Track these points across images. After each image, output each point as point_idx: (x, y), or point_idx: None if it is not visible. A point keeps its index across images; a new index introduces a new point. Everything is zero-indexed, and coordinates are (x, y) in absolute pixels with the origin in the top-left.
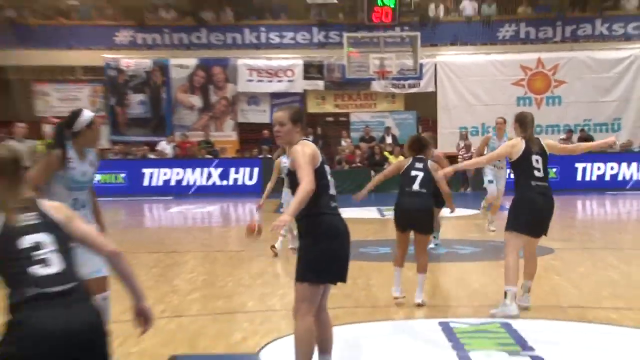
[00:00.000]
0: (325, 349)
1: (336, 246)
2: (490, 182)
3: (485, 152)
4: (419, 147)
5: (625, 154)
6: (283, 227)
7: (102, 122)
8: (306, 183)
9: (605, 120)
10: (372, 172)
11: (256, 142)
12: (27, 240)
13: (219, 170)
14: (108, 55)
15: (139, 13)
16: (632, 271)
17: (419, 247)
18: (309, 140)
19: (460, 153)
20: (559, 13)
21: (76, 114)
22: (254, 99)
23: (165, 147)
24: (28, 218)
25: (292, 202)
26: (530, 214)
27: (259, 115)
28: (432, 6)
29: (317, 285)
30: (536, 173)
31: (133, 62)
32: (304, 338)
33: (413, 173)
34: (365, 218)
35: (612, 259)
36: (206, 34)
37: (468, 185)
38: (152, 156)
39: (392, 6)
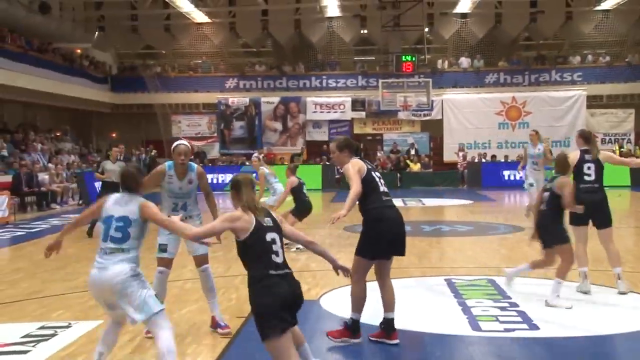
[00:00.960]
0: (388, 309)
1: (382, 229)
2: (532, 185)
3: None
4: None
5: None
6: (339, 220)
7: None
8: (354, 188)
9: (559, 139)
10: (398, 175)
11: (318, 154)
12: (269, 236)
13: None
14: (220, 96)
15: (241, 67)
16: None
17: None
18: (358, 158)
19: (459, 160)
20: (526, 66)
21: (174, 143)
22: (317, 124)
23: (256, 157)
24: (268, 220)
25: (347, 201)
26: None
27: (320, 135)
28: (439, 61)
29: (365, 260)
30: (586, 177)
31: (236, 100)
32: (355, 298)
33: None
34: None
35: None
36: (286, 81)
37: (465, 183)
38: (247, 163)
39: (413, 61)
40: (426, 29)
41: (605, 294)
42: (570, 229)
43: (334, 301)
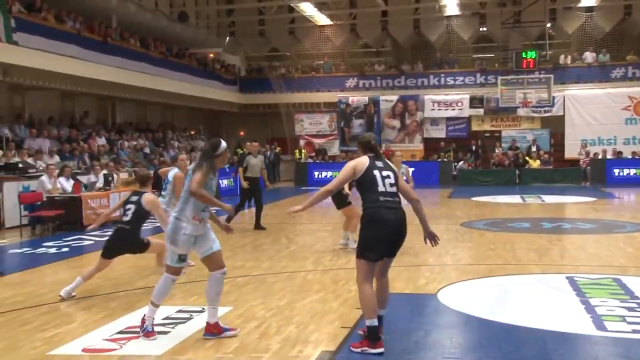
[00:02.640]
0: (380, 306)
1: (373, 231)
2: None
3: None
4: None
5: None
6: (296, 213)
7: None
8: (327, 185)
9: None
10: (517, 171)
11: (436, 150)
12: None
13: (411, 169)
14: (340, 95)
15: (361, 67)
16: None
17: None
18: (368, 155)
19: (581, 157)
20: None
21: (217, 143)
22: (435, 121)
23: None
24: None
25: (313, 196)
26: None
27: (438, 132)
28: (562, 56)
29: (363, 262)
30: None
31: (356, 99)
32: (363, 301)
33: None
34: (510, 202)
35: None
36: (404, 79)
37: (587, 180)
38: None
39: (534, 57)
40: (548, 25)
41: None
42: None
43: (452, 295)
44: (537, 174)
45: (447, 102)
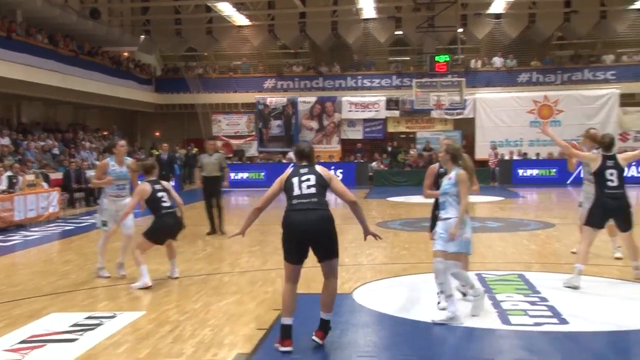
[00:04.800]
0: (322, 309)
1: (285, 234)
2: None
3: None
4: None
5: None
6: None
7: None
8: (255, 203)
9: None
10: None
11: (352, 151)
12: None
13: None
14: (259, 96)
15: (279, 68)
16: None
17: None
18: (297, 165)
19: (490, 158)
20: (559, 65)
21: (114, 143)
22: (352, 122)
23: (292, 155)
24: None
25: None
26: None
27: (355, 133)
28: (473, 61)
29: (286, 263)
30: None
31: (274, 100)
32: (283, 297)
33: None
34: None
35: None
36: (322, 81)
37: (496, 180)
38: (284, 161)
39: (447, 61)
40: (460, 30)
41: (634, 289)
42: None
43: (367, 295)
44: None
45: (364, 103)
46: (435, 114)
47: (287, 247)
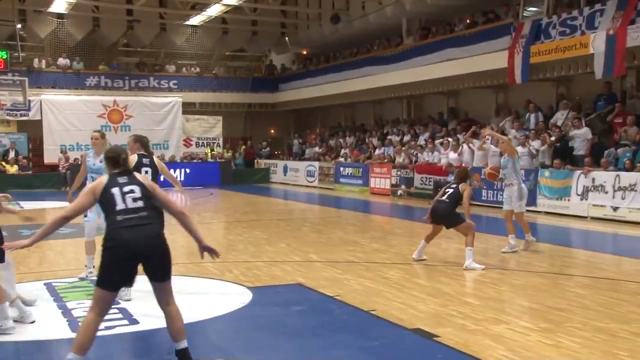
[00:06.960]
0: (176, 338)
1: (108, 256)
2: None
3: None
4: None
5: (170, 164)
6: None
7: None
8: (62, 212)
9: (159, 142)
10: None
11: None
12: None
13: None
14: None
15: None
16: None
17: None
18: (112, 172)
19: (61, 162)
20: (126, 71)
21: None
22: None
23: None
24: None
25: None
26: None
27: None
28: (36, 60)
29: (98, 288)
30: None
31: None
32: (82, 327)
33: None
34: None
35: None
36: None
37: (68, 185)
38: None
39: (5, 58)
40: (19, 26)
41: (198, 284)
42: None
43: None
44: (16, 179)
45: None
46: None
47: (111, 270)
